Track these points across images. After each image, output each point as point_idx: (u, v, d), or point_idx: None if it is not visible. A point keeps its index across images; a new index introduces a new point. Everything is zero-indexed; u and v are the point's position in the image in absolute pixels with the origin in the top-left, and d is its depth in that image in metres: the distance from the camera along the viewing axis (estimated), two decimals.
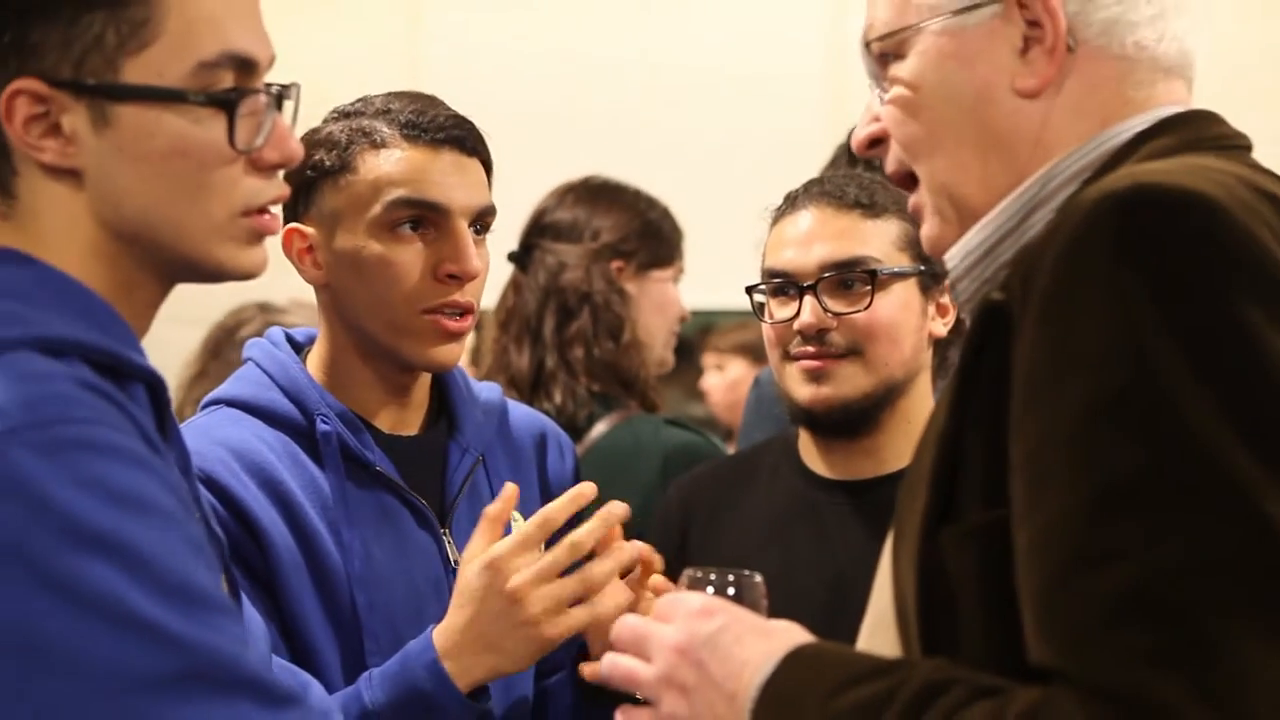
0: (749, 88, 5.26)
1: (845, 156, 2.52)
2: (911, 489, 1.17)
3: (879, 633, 1.21)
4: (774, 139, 4.97)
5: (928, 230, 1.28)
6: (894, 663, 1.11)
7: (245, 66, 1.17)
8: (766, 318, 1.93)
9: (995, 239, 1.22)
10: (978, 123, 1.22)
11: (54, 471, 1.04)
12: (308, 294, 1.80)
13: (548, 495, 1.79)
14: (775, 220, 1.95)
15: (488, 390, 1.85)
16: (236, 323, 2.97)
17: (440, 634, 1.55)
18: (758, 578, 1.33)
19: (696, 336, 4.67)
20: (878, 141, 1.29)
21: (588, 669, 1.60)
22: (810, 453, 1.97)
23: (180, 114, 1.14)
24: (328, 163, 1.65)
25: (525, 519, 1.69)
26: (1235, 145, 1.20)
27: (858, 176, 1.96)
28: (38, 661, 1.02)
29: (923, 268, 1.90)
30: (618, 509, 1.56)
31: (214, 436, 1.60)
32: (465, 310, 1.66)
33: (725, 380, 4.63)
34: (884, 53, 1.26)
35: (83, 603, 1.02)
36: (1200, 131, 1.19)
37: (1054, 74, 1.20)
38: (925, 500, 1.12)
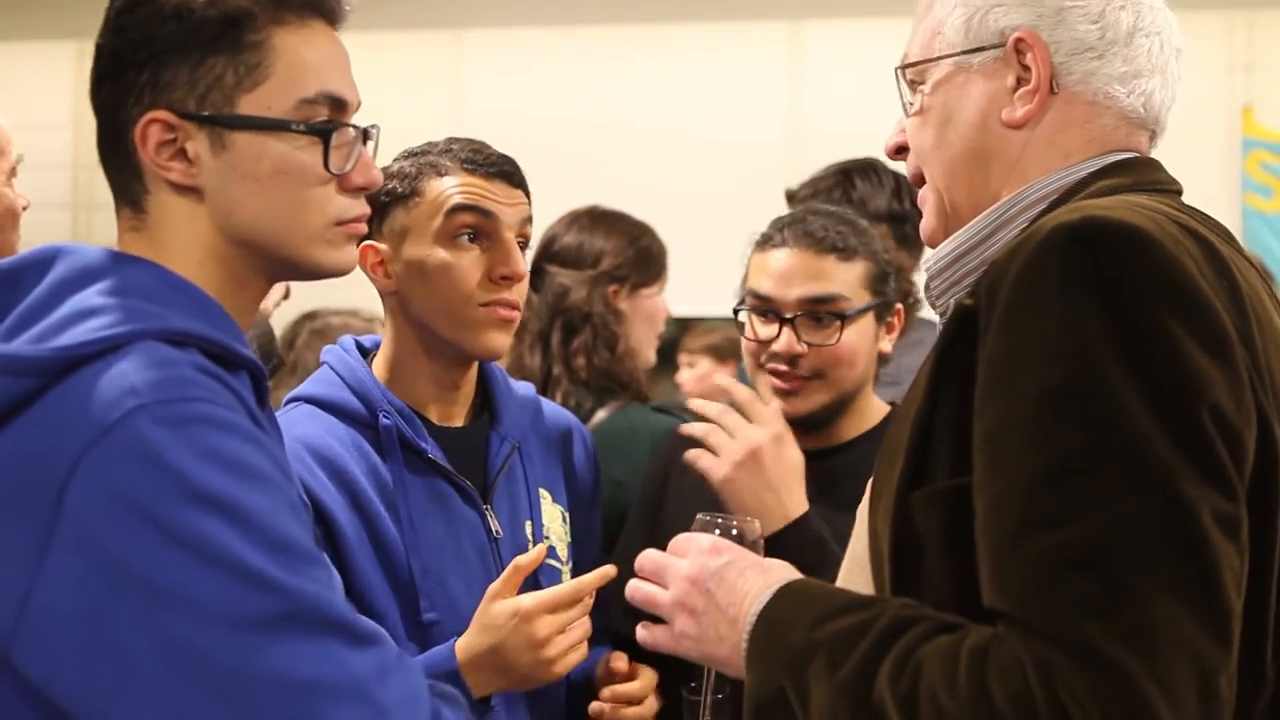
0: (721, 136, 6.14)
1: (835, 177, 2.81)
2: (890, 457, 1.30)
3: (854, 573, 1.35)
4: (741, 179, 5.75)
5: (926, 222, 1.44)
6: (870, 599, 1.24)
7: (338, 105, 1.32)
8: (748, 334, 2.12)
9: (965, 249, 1.37)
10: (971, 141, 1.38)
11: (177, 441, 1.13)
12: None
13: (571, 479, 2.01)
14: (760, 246, 2.14)
15: (524, 388, 2.04)
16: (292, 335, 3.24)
17: (462, 650, 1.72)
18: (756, 523, 1.50)
19: (677, 337, 5.10)
20: (902, 149, 1.47)
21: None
22: None
23: (283, 141, 1.29)
24: (399, 189, 1.85)
25: (551, 496, 1.91)
26: (1168, 189, 1.35)
27: (835, 216, 2.15)
28: (159, 602, 1.11)
29: (879, 300, 2.11)
30: (609, 571, 1.76)
31: (293, 433, 1.74)
32: (513, 305, 1.86)
33: (695, 374, 5.03)
34: (912, 79, 1.44)
35: (200, 553, 1.12)
36: (1140, 175, 1.34)
37: (1037, 110, 1.36)
38: (901, 467, 1.24)
